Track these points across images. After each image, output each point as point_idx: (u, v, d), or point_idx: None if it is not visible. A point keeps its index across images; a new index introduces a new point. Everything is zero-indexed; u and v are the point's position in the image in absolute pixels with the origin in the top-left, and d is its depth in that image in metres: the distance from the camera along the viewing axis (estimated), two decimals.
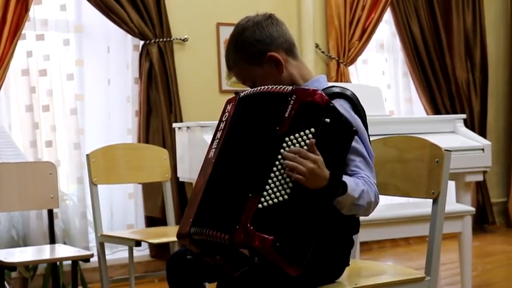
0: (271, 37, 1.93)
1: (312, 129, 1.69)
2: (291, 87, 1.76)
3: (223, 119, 1.89)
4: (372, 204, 1.84)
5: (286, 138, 1.69)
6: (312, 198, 1.67)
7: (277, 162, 1.67)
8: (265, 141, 1.71)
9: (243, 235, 1.62)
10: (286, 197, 1.65)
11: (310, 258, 1.66)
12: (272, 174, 1.66)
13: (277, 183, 1.66)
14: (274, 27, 1.95)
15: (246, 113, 1.84)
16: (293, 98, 1.72)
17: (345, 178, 1.77)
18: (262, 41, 1.93)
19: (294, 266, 1.65)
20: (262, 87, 1.82)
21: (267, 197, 1.64)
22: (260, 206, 1.64)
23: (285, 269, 1.66)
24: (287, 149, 1.68)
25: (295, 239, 1.64)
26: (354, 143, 1.82)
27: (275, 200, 1.65)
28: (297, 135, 1.69)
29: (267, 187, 1.65)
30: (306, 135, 1.69)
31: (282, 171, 1.67)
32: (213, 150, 1.85)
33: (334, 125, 1.70)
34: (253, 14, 1.99)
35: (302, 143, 1.68)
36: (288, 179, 1.66)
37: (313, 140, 1.67)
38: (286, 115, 1.70)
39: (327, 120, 1.69)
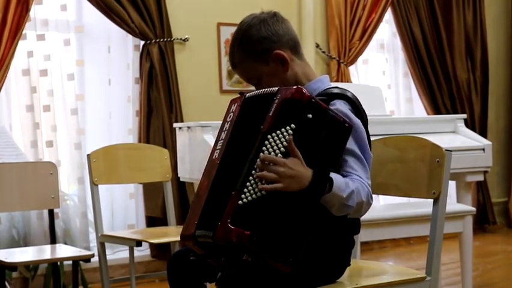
0: (277, 35, 1.92)
1: (293, 125, 1.70)
2: (277, 87, 1.78)
3: (228, 119, 1.88)
4: (363, 205, 1.81)
5: (269, 136, 1.71)
6: (293, 194, 1.68)
7: (258, 160, 1.69)
8: (251, 140, 1.73)
9: (222, 231, 1.65)
10: (264, 192, 1.67)
11: (302, 256, 1.66)
12: (253, 171, 1.69)
13: (257, 179, 1.68)
14: (280, 25, 1.93)
15: (246, 114, 1.84)
16: (277, 96, 1.74)
17: (335, 177, 1.75)
18: (268, 39, 1.91)
19: (279, 263, 1.66)
20: (265, 89, 1.83)
21: (247, 193, 1.67)
22: (240, 202, 1.66)
23: (274, 266, 1.67)
24: (269, 145, 1.69)
25: (276, 233, 1.65)
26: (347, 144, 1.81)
27: (254, 196, 1.67)
28: (278, 132, 1.70)
29: (248, 184, 1.68)
30: (287, 131, 1.70)
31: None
32: (217, 151, 1.85)
33: (317, 121, 1.71)
34: (258, 12, 1.97)
35: (283, 139, 1.70)
36: None
37: (291, 138, 1.68)
38: (270, 113, 1.73)
39: (309, 116, 1.70)
